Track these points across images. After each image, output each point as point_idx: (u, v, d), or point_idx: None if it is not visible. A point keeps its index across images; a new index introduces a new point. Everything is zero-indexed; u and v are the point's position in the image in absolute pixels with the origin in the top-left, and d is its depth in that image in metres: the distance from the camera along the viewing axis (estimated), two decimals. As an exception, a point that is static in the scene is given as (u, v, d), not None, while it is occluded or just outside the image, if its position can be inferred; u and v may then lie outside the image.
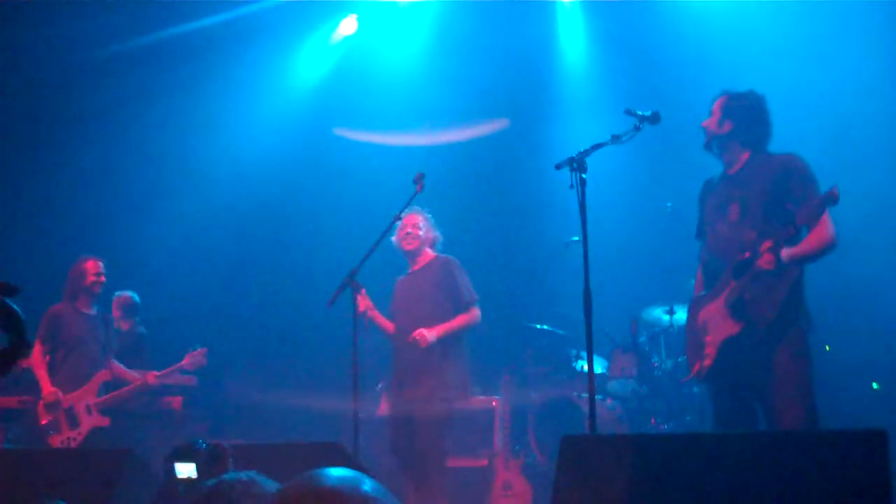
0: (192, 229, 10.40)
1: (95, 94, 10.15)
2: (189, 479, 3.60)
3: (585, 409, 8.56)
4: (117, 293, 9.16)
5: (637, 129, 5.43)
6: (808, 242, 5.33)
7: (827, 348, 8.11)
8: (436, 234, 7.57)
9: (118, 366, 8.40)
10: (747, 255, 5.40)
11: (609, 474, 3.89)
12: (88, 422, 7.98)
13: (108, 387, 8.24)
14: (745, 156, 5.70)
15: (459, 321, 7.25)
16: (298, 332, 10.08)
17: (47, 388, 7.89)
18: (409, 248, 7.41)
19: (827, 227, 5.30)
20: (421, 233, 7.40)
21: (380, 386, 9.81)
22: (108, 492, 4.73)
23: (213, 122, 10.61)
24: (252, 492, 2.26)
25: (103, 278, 8.29)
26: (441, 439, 7.19)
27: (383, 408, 9.77)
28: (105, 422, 8.06)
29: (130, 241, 10.15)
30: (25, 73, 9.90)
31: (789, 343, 5.35)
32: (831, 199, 5.12)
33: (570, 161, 5.32)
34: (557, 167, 5.37)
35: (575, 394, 8.88)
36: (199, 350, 8.49)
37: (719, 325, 5.52)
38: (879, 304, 8.34)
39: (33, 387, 8.03)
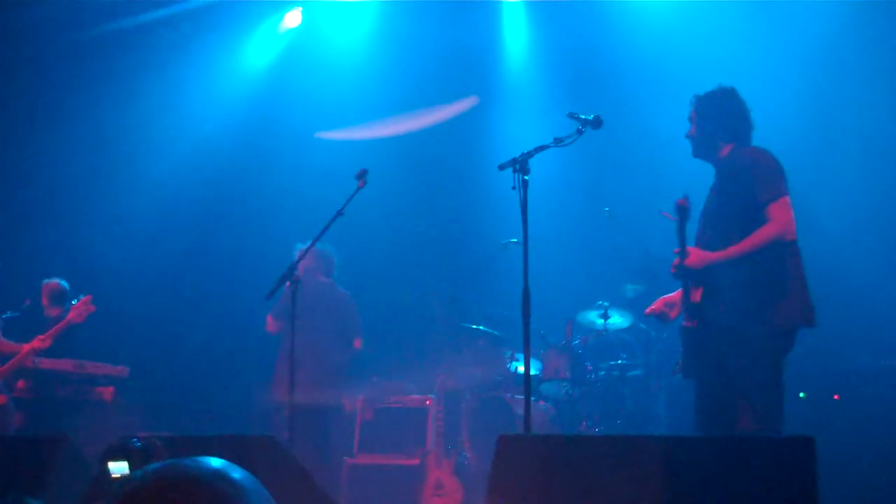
0: (135, 220, 10.27)
1: (43, 82, 9.98)
2: (123, 478, 3.54)
3: (519, 409, 8.64)
4: (46, 280, 8.99)
5: (579, 132, 5.48)
6: (740, 243, 5.42)
7: (801, 396, 8.25)
8: None
9: (6, 342, 8.17)
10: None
11: (543, 474, 3.93)
12: None
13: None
14: (728, 150, 5.73)
15: None
16: (237, 324, 9.98)
17: None
18: None
19: (769, 221, 5.38)
20: None
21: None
22: (42, 479, 4.66)
23: (159, 111, 10.47)
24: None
25: None
26: None
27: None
28: (2, 399, 7.85)
29: (75, 233, 9.97)
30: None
31: (743, 350, 5.39)
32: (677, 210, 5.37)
33: (514, 162, 5.36)
34: (500, 168, 5.42)
35: (509, 395, 8.92)
36: (81, 299, 8.20)
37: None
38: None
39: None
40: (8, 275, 8.56)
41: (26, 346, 8.04)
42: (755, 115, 5.77)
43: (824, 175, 8.68)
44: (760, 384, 5.34)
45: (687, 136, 5.88)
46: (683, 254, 5.49)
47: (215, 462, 1.42)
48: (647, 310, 6.08)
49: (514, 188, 5.34)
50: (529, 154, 5.41)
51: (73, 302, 8.24)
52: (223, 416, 9.19)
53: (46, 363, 8.50)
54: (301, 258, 6.64)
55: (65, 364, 8.60)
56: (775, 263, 5.42)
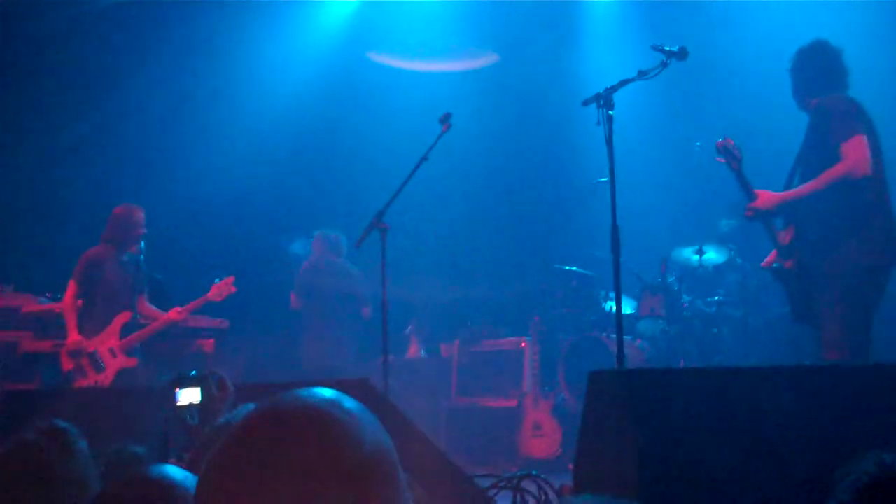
0: (225, 172, 10.34)
1: (112, 41, 10.07)
2: (192, 406, 3.58)
3: (614, 349, 8.60)
4: None
5: (664, 65, 5.38)
6: (810, 182, 5.47)
7: None
8: None
9: (148, 306, 8.38)
10: None
11: (636, 410, 3.89)
12: (114, 364, 7.98)
13: (130, 328, 8.21)
14: (815, 102, 5.69)
15: None
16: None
17: (73, 335, 7.86)
18: None
19: (843, 159, 5.32)
20: None
21: (408, 329, 9.88)
22: (144, 429, 4.78)
23: (235, 60, 10.49)
24: None
25: (145, 231, 8.24)
26: None
27: (412, 350, 9.86)
28: (132, 362, 8.06)
29: (156, 188, 10.13)
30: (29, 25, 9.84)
31: (833, 279, 5.38)
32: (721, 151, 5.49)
33: (597, 97, 5.30)
34: (584, 104, 5.36)
35: (604, 334, 8.88)
36: (225, 279, 8.32)
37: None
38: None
39: (65, 331, 8.07)
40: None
41: (164, 316, 8.24)
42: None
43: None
44: (844, 325, 5.29)
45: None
46: (751, 196, 5.57)
47: (328, 392, 1.43)
48: (763, 263, 6.04)
49: (598, 124, 5.27)
50: (614, 88, 5.34)
51: (215, 280, 8.38)
52: (321, 365, 9.30)
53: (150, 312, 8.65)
54: (389, 203, 6.63)
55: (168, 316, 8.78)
56: (851, 199, 5.40)
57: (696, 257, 9.03)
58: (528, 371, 8.95)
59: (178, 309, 8.26)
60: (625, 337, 7.60)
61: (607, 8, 10.43)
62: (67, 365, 7.91)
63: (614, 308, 9.09)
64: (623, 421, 3.86)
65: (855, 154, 5.31)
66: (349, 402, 1.42)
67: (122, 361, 8.01)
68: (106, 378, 7.94)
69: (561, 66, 10.34)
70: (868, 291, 5.39)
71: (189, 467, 2.46)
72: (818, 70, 5.71)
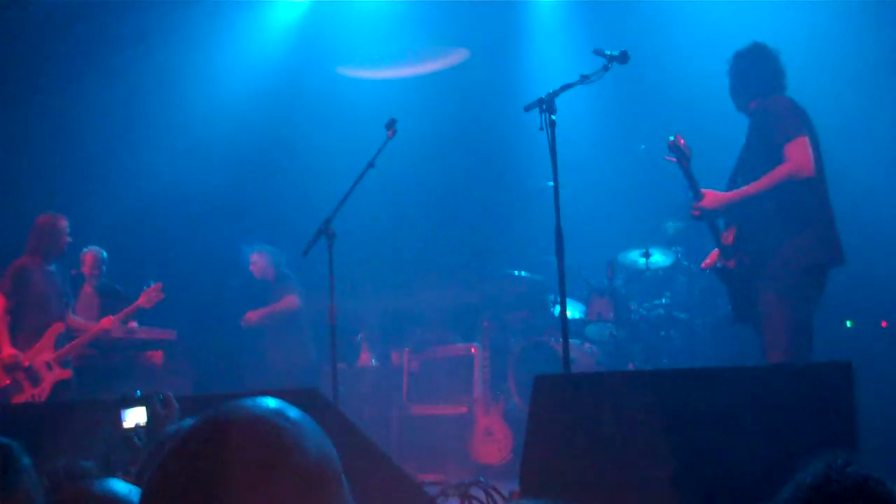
0: (169, 181, 10.21)
1: (63, 39, 9.89)
2: (138, 427, 3.54)
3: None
4: (87, 249, 9.01)
5: (606, 68, 5.43)
6: (753, 183, 5.54)
7: (848, 324, 8.20)
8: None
9: (75, 319, 8.27)
10: None
11: (582, 412, 3.92)
12: (50, 377, 7.84)
13: (63, 340, 8.09)
14: (755, 103, 5.78)
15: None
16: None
17: (7, 349, 7.69)
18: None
19: (770, 175, 5.45)
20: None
21: (358, 337, 9.86)
22: (91, 443, 4.73)
23: (184, 62, 10.38)
24: None
25: (68, 240, 8.14)
26: None
27: (363, 358, 9.84)
28: (67, 374, 7.91)
29: (94, 194, 9.97)
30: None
31: (775, 279, 5.45)
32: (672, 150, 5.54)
33: (540, 102, 5.33)
34: (526, 109, 5.38)
35: (553, 339, 8.91)
36: (152, 286, 8.30)
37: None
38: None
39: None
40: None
41: (95, 327, 8.17)
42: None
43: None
44: (788, 323, 5.37)
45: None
46: (698, 195, 5.63)
47: (272, 402, 1.42)
48: (703, 264, 6.12)
49: (541, 129, 5.30)
50: (555, 93, 5.37)
51: (143, 288, 8.32)
52: (273, 376, 9.25)
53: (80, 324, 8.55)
54: (336, 210, 6.61)
55: (115, 331, 8.72)
56: (794, 200, 5.49)
57: (643, 260, 9.09)
58: (478, 377, 8.95)
59: (111, 318, 8.19)
60: (573, 341, 7.66)
61: (552, 10, 10.45)
62: (3, 380, 7.75)
63: (564, 312, 9.22)
64: (568, 424, 3.89)
65: (798, 155, 5.40)
66: (293, 412, 1.41)
67: (57, 374, 7.89)
68: (43, 392, 7.81)
69: (505, 70, 10.36)
70: (810, 291, 5.48)
71: (136, 482, 2.44)
72: (757, 72, 5.79)
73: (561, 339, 8.76)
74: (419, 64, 10.84)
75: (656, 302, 9.07)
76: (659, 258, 9.14)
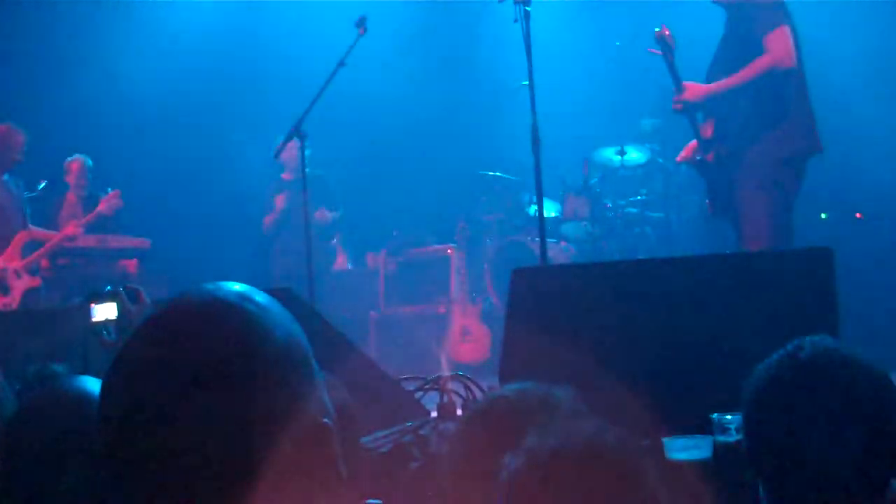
0: (143, 92, 10.03)
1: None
2: (107, 321, 3.50)
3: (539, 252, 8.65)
4: (72, 157, 8.90)
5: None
6: (735, 75, 5.47)
7: (823, 216, 8.20)
8: None
9: (37, 229, 8.23)
10: None
11: (559, 304, 3.90)
12: (19, 285, 7.82)
13: (30, 248, 8.04)
14: None
15: None
16: (250, 186, 9.88)
17: None
18: None
19: (766, 52, 5.32)
20: None
21: (333, 240, 9.80)
22: (64, 347, 4.70)
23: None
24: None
25: (22, 155, 8.01)
26: None
27: (339, 261, 9.80)
28: (37, 282, 7.88)
29: (82, 108, 9.81)
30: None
31: (754, 170, 5.40)
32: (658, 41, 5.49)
33: (514, -7, 5.21)
34: (499, 0, 5.27)
35: (529, 238, 8.89)
36: (110, 193, 8.35)
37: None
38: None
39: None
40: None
41: (57, 235, 8.10)
42: None
43: None
44: (767, 214, 5.36)
45: None
46: (679, 88, 5.55)
47: (237, 286, 1.36)
48: (679, 157, 6.06)
49: (515, 21, 5.20)
50: (530, -18, 5.25)
51: (101, 195, 8.26)
52: (247, 282, 9.20)
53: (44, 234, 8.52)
54: (307, 112, 6.50)
55: (87, 240, 8.65)
56: (774, 91, 5.46)
57: (618, 158, 9.05)
58: (454, 278, 8.96)
59: (74, 223, 8.13)
60: (549, 240, 7.65)
61: None
62: None
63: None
64: (546, 317, 3.87)
65: (780, 46, 5.37)
66: (260, 296, 1.36)
67: (27, 282, 7.85)
68: (13, 300, 7.78)
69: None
70: (789, 181, 5.48)
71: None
72: None
73: (536, 238, 8.86)
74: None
75: (632, 199, 9.06)
76: (634, 155, 9.10)
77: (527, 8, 5.19)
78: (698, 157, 5.74)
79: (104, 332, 3.44)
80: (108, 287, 3.52)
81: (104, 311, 3.46)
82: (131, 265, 9.04)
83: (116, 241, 8.94)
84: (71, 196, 8.83)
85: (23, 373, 3.27)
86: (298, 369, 1.31)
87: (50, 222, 8.54)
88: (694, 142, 5.85)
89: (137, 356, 1.28)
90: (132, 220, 9.04)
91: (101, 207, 8.27)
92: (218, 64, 10.36)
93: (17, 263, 7.81)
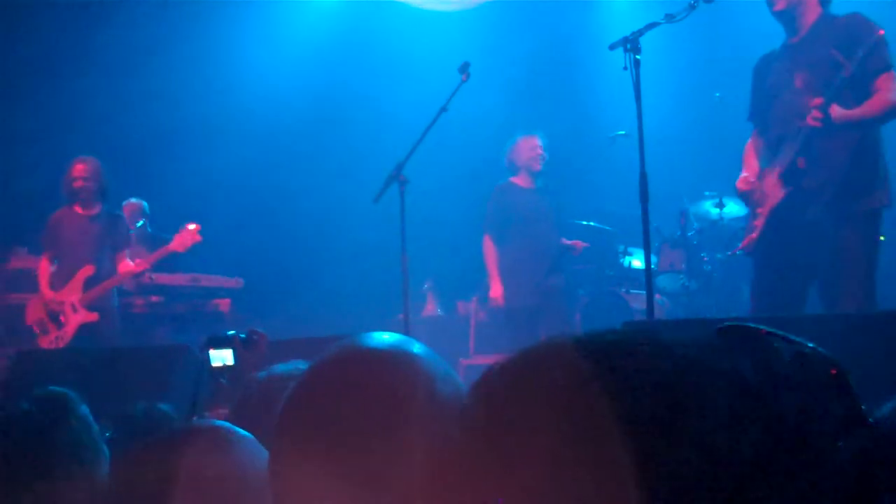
0: (238, 133, 10.19)
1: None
2: (225, 367, 3.51)
3: (634, 304, 8.53)
4: (126, 201, 9.02)
5: (692, 7, 5.21)
6: (866, 105, 5.08)
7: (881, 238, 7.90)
8: None
9: (125, 262, 8.08)
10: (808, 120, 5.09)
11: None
12: (74, 319, 7.79)
13: (95, 282, 7.89)
14: (813, 17, 5.36)
15: None
16: (346, 230, 9.92)
17: (45, 293, 7.84)
18: (537, 168, 8.29)
19: (888, 91, 5.07)
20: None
21: (425, 286, 9.78)
22: (168, 386, 4.70)
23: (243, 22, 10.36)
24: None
25: (90, 183, 7.95)
26: None
27: (429, 308, 9.77)
28: (93, 317, 7.75)
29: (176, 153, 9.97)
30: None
31: (857, 221, 5.15)
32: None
33: (625, 41, 5.16)
34: (611, 47, 5.22)
35: (623, 289, 8.77)
36: (187, 228, 7.94)
37: (770, 195, 5.32)
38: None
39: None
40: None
41: (122, 270, 8.06)
42: None
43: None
44: (867, 259, 5.11)
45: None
46: (827, 105, 5.02)
47: (390, 336, 1.34)
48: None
49: (625, 69, 5.12)
50: (640, 32, 5.19)
51: (163, 235, 8.27)
52: (341, 322, 9.21)
53: (162, 278, 8.62)
54: (409, 156, 6.51)
55: (179, 279, 8.74)
56: (874, 139, 5.19)
57: (717, 210, 8.90)
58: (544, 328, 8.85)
59: (139, 261, 8.09)
60: (643, 292, 7.51)
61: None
62: (29, 319, 7.90)
63: (633, 264, 9.09)
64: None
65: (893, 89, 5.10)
66: (416, 347, 1.40)
67: (82, 317, 7.81)
68: (66, 334, 7.79)
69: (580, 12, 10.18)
70: (880, 228, 5.25)
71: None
72: None
73: (630, 290, 8.74)
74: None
75: (729, 253, 8.88)
76: (733, 208, 8.94)
77: (637, 56, 5.12)
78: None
79: (221, 378, 3.45)
80: (230, 332, 3.53)
81: (221, 357, 3.47)
82: (224, 304, 9.08)
83: (209, 280, 9.00)
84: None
85: (128, 411, 3.26)
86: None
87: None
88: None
89: (304, 410, 1.27)
90: (222, 262, 9.09)
91: (174, 244, 7.93)
92: (313, 105, 10.50)
93: (75, 297, 7.84)
